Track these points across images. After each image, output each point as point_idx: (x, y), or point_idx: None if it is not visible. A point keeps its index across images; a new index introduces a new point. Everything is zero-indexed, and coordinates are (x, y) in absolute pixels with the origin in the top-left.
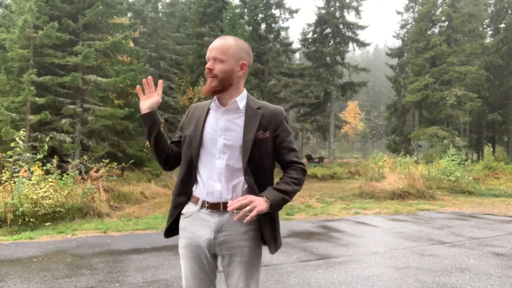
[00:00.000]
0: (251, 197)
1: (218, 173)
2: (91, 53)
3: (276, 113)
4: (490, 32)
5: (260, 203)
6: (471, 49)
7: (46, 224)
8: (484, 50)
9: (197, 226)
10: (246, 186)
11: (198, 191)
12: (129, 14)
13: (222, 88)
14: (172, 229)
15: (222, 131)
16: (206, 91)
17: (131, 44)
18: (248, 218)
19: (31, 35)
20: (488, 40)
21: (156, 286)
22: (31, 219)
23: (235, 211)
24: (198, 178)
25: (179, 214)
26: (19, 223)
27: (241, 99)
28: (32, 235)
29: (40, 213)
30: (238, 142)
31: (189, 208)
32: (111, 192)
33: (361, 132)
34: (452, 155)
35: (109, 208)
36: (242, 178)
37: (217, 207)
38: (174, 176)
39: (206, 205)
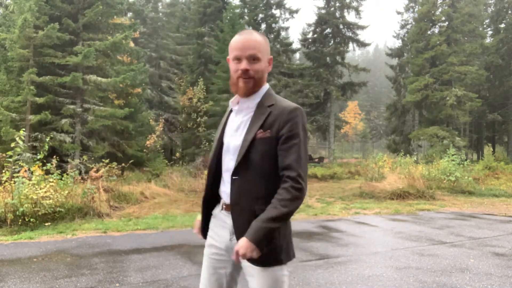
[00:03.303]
0: (236, 248)
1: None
2: (91, 52)
3: (284, 111)
4: (490, 32)
5: (243, 248)
6: (471, 49)
7: (46, 224)
8: (484, 50)
9: (218, 227)
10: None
11: (222, 192)
12: (129, 14)
13: (258, 88)
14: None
15: (234, 132)
16: (243, 93)
17: (131, 44)
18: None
19: (31, 35)
20: (488, 40)
21: (156, 286)
22: (31, 219)
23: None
24: (221, 180)
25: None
26: (19, 223)
27: (257, 97)
28: (32, 235)
29: (40, 213)
30: (240, 142)
31: (216, 209)
32: (111, 192)
33: (361, 132)
34: (452, 155)
35: (109, 208)
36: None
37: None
38: (174, 177)
39: (224, 206)
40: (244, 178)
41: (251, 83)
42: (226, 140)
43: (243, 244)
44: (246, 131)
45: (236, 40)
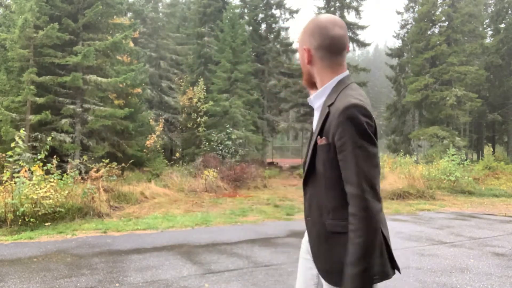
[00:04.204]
0: None
1: None
2: (91, 52)
3: (335, 113)
4: (490, 32)
5: None
6: (471, 49)
7: (46, 224)
8: (484, 50)
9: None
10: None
11: None
12: (129, 14)
13: (308, 84)
14: None
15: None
16: (308, 88)
17: (131, 44)
18: None
19: (31, 35)
20: (488, 40)
21: (156, 286)
22: (31, 219)
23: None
24: None
25: None
26: (19, 223)
27: (320, 94)
28: (32, 235)
29: (40, 213)
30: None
31: None
32: (111, 192)
33: None
34: (452, 155)
35: (109, 208)
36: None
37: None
38: (174, 176)
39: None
40: (313, 189)
41: (304, 77)
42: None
43: None
44: (312, 136)
45: None
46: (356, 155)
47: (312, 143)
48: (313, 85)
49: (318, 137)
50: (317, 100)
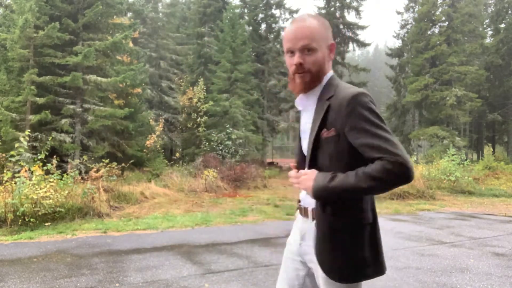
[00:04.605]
0: (304, 172)
1: None
2: (91, 52)
3: (342, 104)
4: (490, 32)
5: (305, 181)
6: (471, 49)
7: (46, 224)
8: (484, 50)
9: (295, 228)
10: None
11: (300, 196)
12: (129, 14)
13: (318, 82)
14: None
15: (304, 135)
16: (300, 89)
17: (131, 44)
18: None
19: (32, 35)
20: (488, 40)
21: (156, 286)
22: (31, 219)
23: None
24: None
25: None
26: (19, 223)
27: (317, 92)
28: (32, 235)
29: (40, 213)
30: (307, 145)
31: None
32: (111, 192)
33: None
34: (452, 155)
35: (109, 208)
36: None
37: (304, 213)
38: (174, 176)
39: (302, 210)
40: None
41: (308, 77)
42: (303, 144)
43: (309, 176)
44: (310, 132)
45: (288, 31)
46: (376, 133)
47: (311, 138)
48: (315, 87)
49: (324, 130)
50: (307, 99)
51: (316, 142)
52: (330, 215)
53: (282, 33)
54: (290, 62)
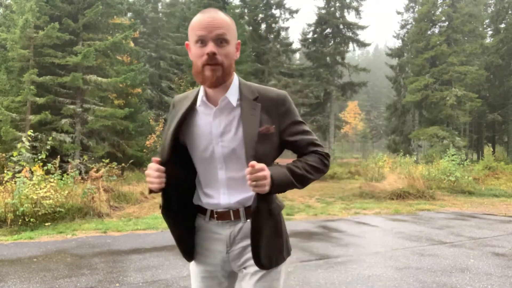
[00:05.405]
0: (260, 167)
1: (223, 185)
2: (91, 52)
3: (278, 102)
4: (490, 32)
5: (262, 176)
6: (471, 49)
7: (46, 224)
8: (484, 50)
9: (208, 240)
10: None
11: (206, 203)
12: (129, 14)
13: (227, 78)
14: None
15: (219, 138)
16: (211, 84)
17: (131, 44)
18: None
19: (32, 35)
20: (488, 40)
21: (156, 286)
22: (31, 219)
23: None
24: (200, 190)
25: (193, 228)
26: (19, 223)
27: (233, 91)
28: (32, 235)
29: (40, 213)
30: (236, 145)
31: (198, 220)
32: (111, 192)
33: (361, 132)
34: (452, 155)
35: (109, 208)
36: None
37: (235, 216)
38: None
39: (215, 215)
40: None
41: (220, 71)
42: (204, 145)
43: (266, 170)
44: (242, 131)
45: (200, 19)
46: (306, 129)
47: (252, 135)
48: (224, 83)
49: (265, 126)
50: (232, 96)
51: (255, 139)
52: (269, 204)
53: (282, 33)
54: (199, 52)
